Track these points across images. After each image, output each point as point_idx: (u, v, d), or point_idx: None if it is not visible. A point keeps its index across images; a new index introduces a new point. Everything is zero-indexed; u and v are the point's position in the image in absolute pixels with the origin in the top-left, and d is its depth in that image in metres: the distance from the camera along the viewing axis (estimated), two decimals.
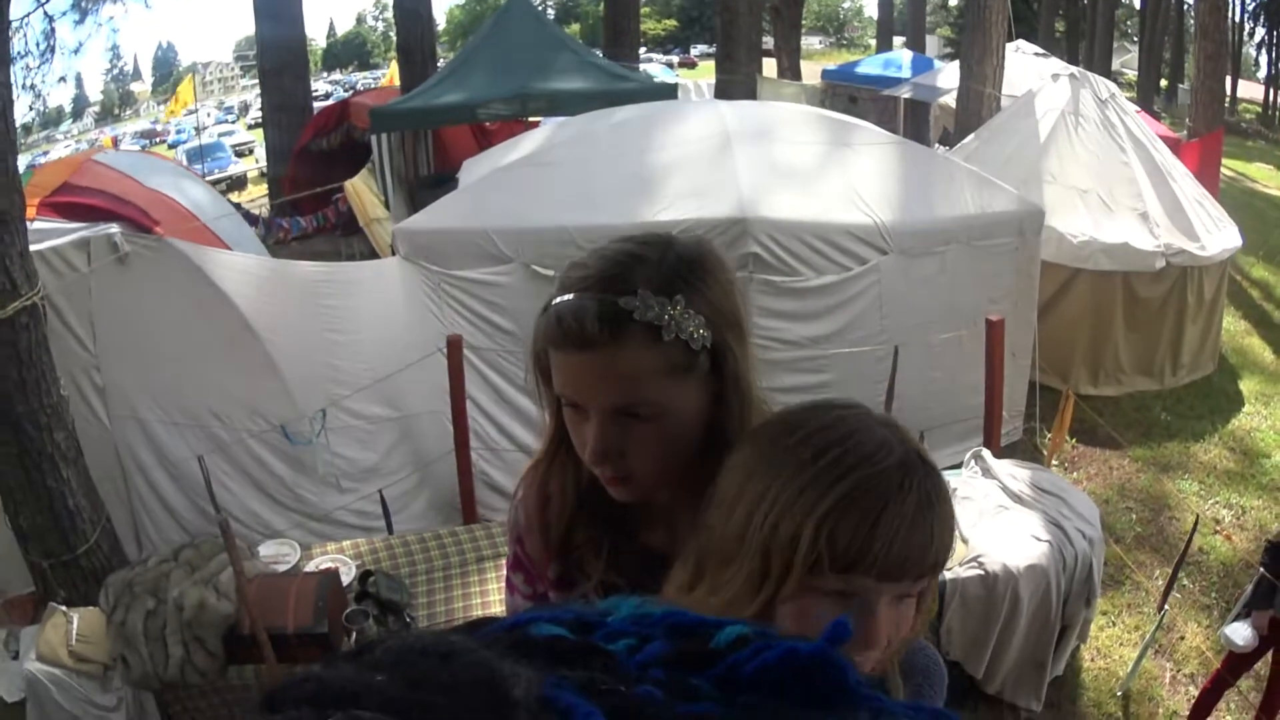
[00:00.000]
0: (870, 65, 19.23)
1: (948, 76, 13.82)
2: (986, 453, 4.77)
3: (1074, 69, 8.31)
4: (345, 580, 3.85)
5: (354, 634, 3.56)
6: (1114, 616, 4.96)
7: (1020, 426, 6.30)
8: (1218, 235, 7.51)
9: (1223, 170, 18.55)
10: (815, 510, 0.90)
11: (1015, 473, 4.64)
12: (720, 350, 1.18)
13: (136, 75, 68.67)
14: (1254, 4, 39.41)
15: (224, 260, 4.78)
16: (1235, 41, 40.65)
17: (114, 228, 4.46)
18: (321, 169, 12.20)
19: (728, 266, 1.25)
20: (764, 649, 0.43)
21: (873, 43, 35.55)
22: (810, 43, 55.08)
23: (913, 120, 15.65)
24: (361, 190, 9.48)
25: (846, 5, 59.15)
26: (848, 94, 17.96)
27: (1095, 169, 7.40)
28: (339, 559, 4.06)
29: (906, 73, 17.00)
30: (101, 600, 3.59)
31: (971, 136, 8.74)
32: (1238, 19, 39.63)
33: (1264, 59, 41.27)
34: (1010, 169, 7.08)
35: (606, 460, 1.18)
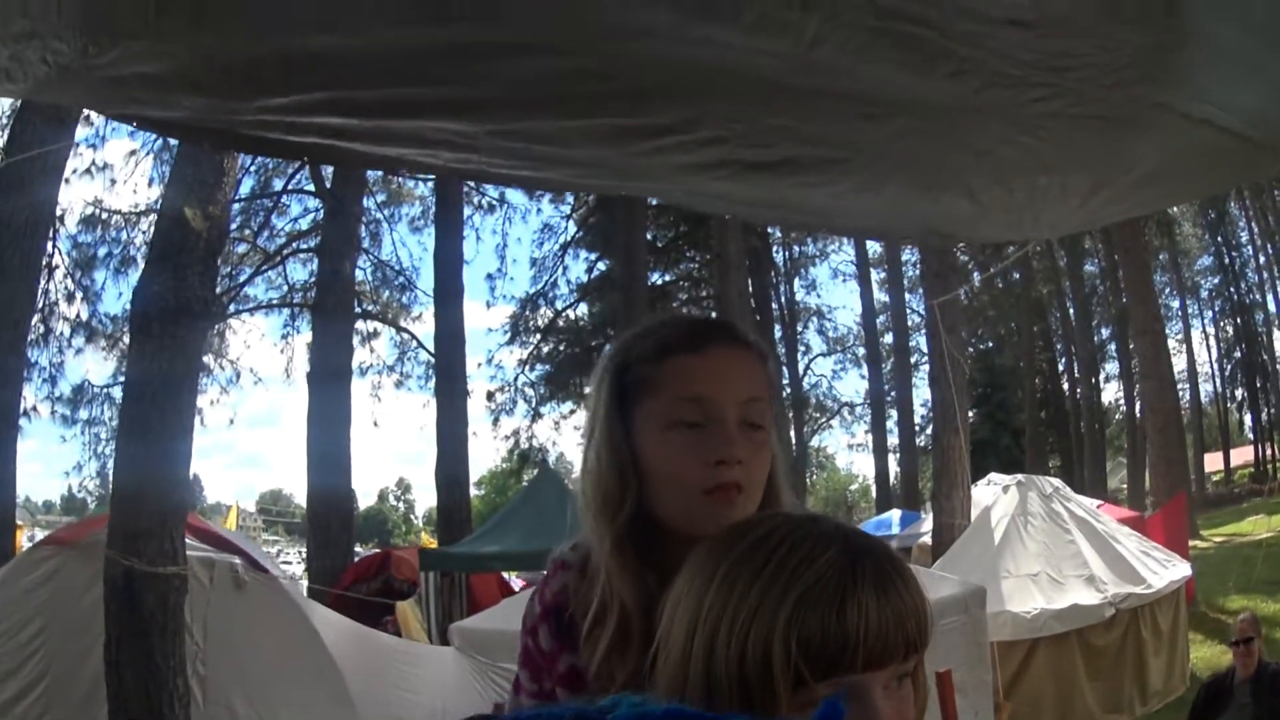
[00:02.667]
0: (864, 529, 20.74)
1: (930, 523, 15.16)
2: None
3: (1020, 476, 9.74)
4: None
5: None
6: None
7: None
8: (1164, 573, 8.37)
9: (1214, 537, 19.30)
10: (776, 625, 0.84)
11: None
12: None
13: None
14: (1229, 367, 40.47)
15: (323, 612, 6.05)
16: (1221, 411, 41.94)
17: (237, 560, 5.72)
18: (358, 613, 13.11)
19: None
20: None
21: None
22: None
23: None
24: (410, 614, 10.68)
25: (854, 487, 61.96)
26: None
27: (1044, 554, 8.42)
28: None
29: (896, 529, 18.61)
30: None
31: (940, 560, 9.72)
32: (1220, 389, 41.24)
33: (1248, 419, 41.56)
34: (971, 578, 7.79)
35: (736, 459, 1.18)
